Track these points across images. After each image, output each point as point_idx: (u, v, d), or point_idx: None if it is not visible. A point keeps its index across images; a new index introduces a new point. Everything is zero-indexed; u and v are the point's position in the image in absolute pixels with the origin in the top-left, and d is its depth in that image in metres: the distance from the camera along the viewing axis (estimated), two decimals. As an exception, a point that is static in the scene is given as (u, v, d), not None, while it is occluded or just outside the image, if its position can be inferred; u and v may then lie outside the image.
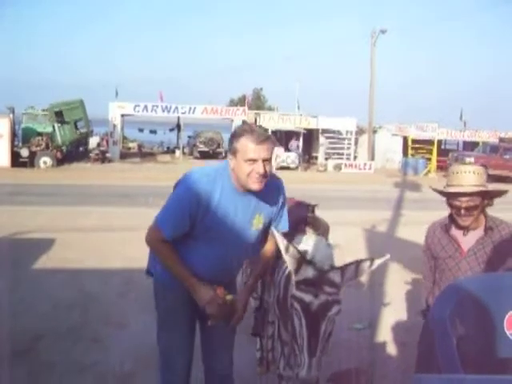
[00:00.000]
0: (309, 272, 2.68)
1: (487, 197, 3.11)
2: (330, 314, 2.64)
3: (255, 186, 2.68)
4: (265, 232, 3.00)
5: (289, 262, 2.72)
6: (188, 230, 2.77)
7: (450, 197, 3.12)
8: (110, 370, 4.41)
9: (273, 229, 2.86)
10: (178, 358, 3.03)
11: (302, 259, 2.72)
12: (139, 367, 4.46)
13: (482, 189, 3.04)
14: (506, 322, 1.90)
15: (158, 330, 3.08)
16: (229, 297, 2.82)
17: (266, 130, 2.82)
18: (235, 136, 2.68)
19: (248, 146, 2.62)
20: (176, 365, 3.03)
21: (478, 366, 1.66)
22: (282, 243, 2.73)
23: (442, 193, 3.20)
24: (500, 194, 3.17)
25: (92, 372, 4.38)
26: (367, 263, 2.72)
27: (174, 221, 2.78)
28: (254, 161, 2.62)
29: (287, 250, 2.72)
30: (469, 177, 3.06)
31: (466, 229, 3.16)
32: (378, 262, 2.72)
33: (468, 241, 3.17)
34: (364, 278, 7.34)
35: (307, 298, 2.64)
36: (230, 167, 2.74)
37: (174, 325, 3.02)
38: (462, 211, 3.07)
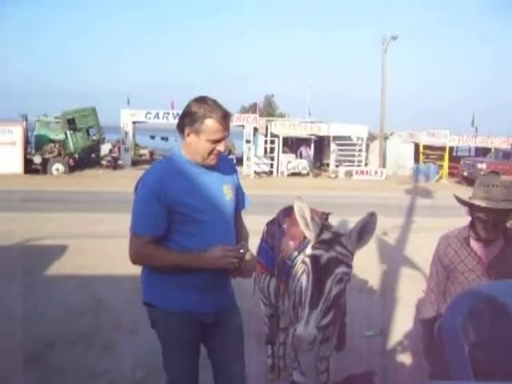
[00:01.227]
0: (325, 235, 2.88)
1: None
2: (338, 271, 2.74)
3: (213, 161, 2.76)
4: (235, 212, 2.97)
5: (312, 228, 2.92)
6: (172, 225, 2.71)
7: (478, 210, 2.99)
8: (122, 377, 4.42)
9: (299, 202, 2.96)
10: (186, 382, 2.95)
11: (324, 226, 2.94)
12: (151, 374, 4.46)
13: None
14: None
15: (164, 359, 2.96)
16: (247, 255, 2.73)
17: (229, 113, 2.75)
18: (197, 115, 2.65)
19: (214, 128, 2.66)
20: None
21: (492, 373, 1.65)
22: (307, 212, 2.94)
23: (468, 204, 3.06)
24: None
25: (103, 379, 4.39)
26: (369, 223, 2.84)
27: (148, 218, 2.71)
28: (218, 141, 2.69)
29: (312, 217, 2.94)
30: (499, 191, 2.94)
31: (486, 241, 3.04)
32: (364, 217, 2.84)
33: (488, 253, 3.05)
34: (376, 285, 7.32)
35: (318, 252, 2.80)
36: (186, 142, 2.74)
37: (178, 355, 2.90)
38: (489, 225, 2.96)
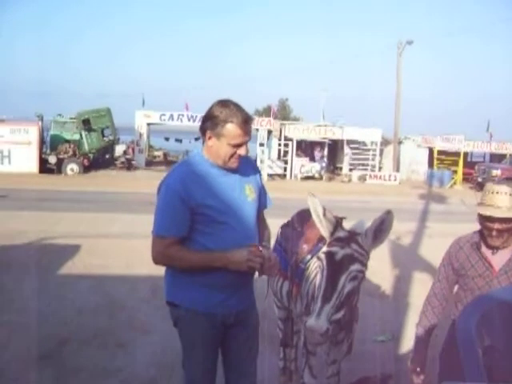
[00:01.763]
0: (341, 233, 2.92)
1: None
2: (352, 269, 2.77)
3: (235, 164, 2.77)
4: (258, 212, 2.97)
5: (325, 225, 2.96)
6: (194, 225, 2.72)
7: (481, 217, 2.98)
8: (135, 376, 4.44)
9: (312, 197, 3.01)
10: (204, 382, 2.96)
11: (338, 223, 2.97)
12: (164, 373, 4.49)
13: None
14: None
15: (183, 358, 2.97)
16: (264, 251, 2.73)
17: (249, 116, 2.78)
18: (219, 119, 2.67)
19: (235, 133, 2.66)
20: None
21: (505, 377, 1.65)
22: (319, 208, 2.99)
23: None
24: None
25: (116, 377, 4.42)
26: (385, 222, 2.87)
27: (173, 219, 2.73)
28: (240, 145, 2.71)
29: (325, 213, 2.98)
30: (504, 199, 2.90)
31: (496, 248, 3.01)
32: (381, 215, 2.87)
33: (499, 259, 3.01)
34: (388, 290, 7.29)
35: (334, 249, 2.84)
36: (208, 145, 2.75)
37: (199, 355, 2.91)
38: (494, 232, 2.94)
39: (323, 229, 3.00)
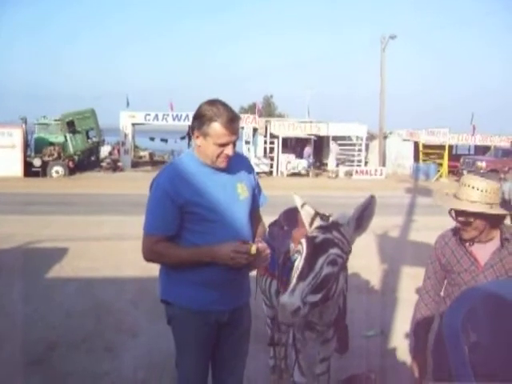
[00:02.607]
0: (322, 222, 2.97)
1: (488, 217, 2.85)
2: (331, 252, 2.79)
3: (223, 164, 2.77)
4: (252, 210, 2.98)
5: (304, 216, 3.05)
6: (184, 224, 2.74)
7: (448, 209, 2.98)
8: (124, 379, 4.43)
9: (293, 194, 3.13)
10: (198, 381, 2.97)
11: (316, 214, 3.02)
12: (152, 375, 4.48)
13: (475, 210, 2.83)
14: None
15: (177, 356, 2.98)
16: (252, 248, 2.69)
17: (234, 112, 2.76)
18: (205, 118, 2.68)
19: (220, 132, 2.66)
20: None
21: (492, 374, 1.66)
22: (298, 201, 3.09)
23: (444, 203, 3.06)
24: (499, 218, 2.90)
25: (106, 381, 4.40)
26: (367, 210, 2.91)
27: (161, 218, 2.75)
28: (226, 145, 2.70)
29: (303, 206, 3.07)
30: (471, 193, 2.86)
31: (471, 241, 2.96)
32: (364, 200, 2.93)
33: (484, 253, 2.96)
34: (376, 285, 7.32)
35: (314, 233, 2.88)
36: (197, 144, 2.77)
37: (193, 353, 2.93)
38: (460, 225, 2.93)
39: (303, 220, 3.06)
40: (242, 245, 2.70)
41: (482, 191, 2.85)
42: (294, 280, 2.70)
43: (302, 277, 2.68)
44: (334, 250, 2.79)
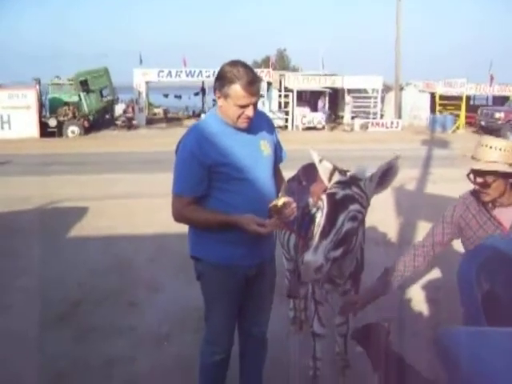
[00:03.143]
0: (340, 177, 2.97)
1: (509, 177, 2.77)
2: (352, 208, 2.81)
3: (244, 125, 2.82)
4: (274, 166, 3.06)
5: (322, 171, 3.06)
6: (212, 183, 2.81)
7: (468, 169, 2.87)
8: (149, 333, 4.56)
9: (310, 150, 3.13)
10: (225, 333, 3.09)
11: (334, 169, 3.01)
12: (175, 329, 4.61)
13: (495, 169, 2.74)
14: None
15: (205, 310, 3.10)
16: (279, 201, 2.79)
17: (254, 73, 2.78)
18: (226, 80, 2.71)
19: (240, 94, 2.69)
20: (222, 340, 3.10)
21: (503, 321, 1.69)
22: (316, 157, 3.09)
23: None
24: None
25: (131, 335, 4.54)
26: (391, 169, 2.88)
27: (190, 180, 2.81)
28: (246, 106, 2.73)
29: (320, 161, 3.07)
30: (490, 152, 2.77)
31: (492, 205, 2.87)
32: (389, 160, 2.89)
33: (508, 217, 2.86)
34: (393, 238, 7.36)
35: (334, 189, 2.89)
36: (219, 105, 2.82)
37: (222, 307, 3.04)
38: (477, 187, 2.85)
39: (321, 175, 3.07)
40: (262, 220, 2.76)
41: (500, 150, 2.78)
42: (316, 238, 2.73)
43: (324, 234, 2.72)
44: (354, 206, 2.81)
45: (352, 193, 2.86)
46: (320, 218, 2.84)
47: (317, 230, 2.80)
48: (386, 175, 2.91)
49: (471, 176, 2.86)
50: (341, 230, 2.75)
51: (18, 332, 4.52)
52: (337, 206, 2.80)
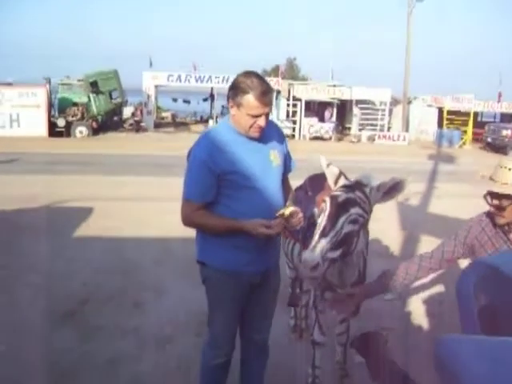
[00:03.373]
0: (346, 181, 3.03)
1: None
2: (353, 211, 2.85)
3: (255, 134, 2.88)
4: (283, 176, 3.13)
5: (329, 175, 3.11)
6: (221, 190, 2.87)
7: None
8: (152, 334, 4.62)
9: (320, 156, 3.17)
10: (227, 338, 3.16)
11: (340, 174, 3.08)
12: (178, 331, 4.67)
13: (509, 191, 2.69)
14: None
15: (209, 314, 3.16)
16: (286, 210, 2.87)
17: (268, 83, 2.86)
18: (239, 90, 2.77)
19: (253, 104, 2.76)
20: (224, 344, 3.16)
21: (500, 336, 1.74)
22: (323, 161, 3.14)
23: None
24: None
25: (134, 336, 4.60)
26: (400, 184, 2.93)
27: (200, 186, 2.88)
28: (258, 116, 2.80)
29: (328, 166, 3.13)
30: (506, 174, 2.72)
31: (508, 229, 2.79)
32: (398, 177, 2.94)
33: None
34: (396, 250, 7.41)
35: (337, 192, 2.94)
36: (231, 114, 2.88)
37: (225, 312, 3.10)
38: (492, 209, 2.80)
39: (328, 179, 3.12)
40: (268, 221, 2.82)
41: None
42: (315, 237, 2.79)
43: (323, 234, 2.77)
44: (355, 210, 2.86)
45: (354, 196, 2.91)
46: (322, 219, 2.89)
47: (317, 229, 2.86)
48: (393, 188, 2.98)
49: (488, 198, 2.82)
50: (340, 232, 2.79)
51: (24, 328, 4.59)
52: (338, 207, 2.85)
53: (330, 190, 3.13)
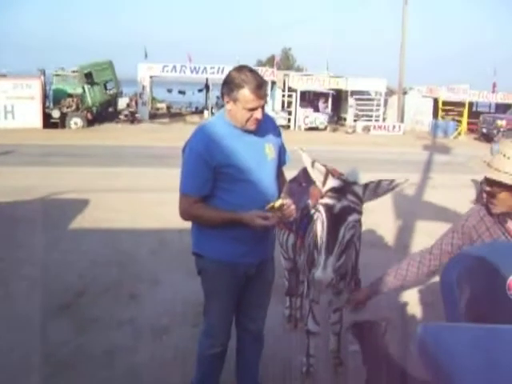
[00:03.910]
0: (334, 182, 3.02)
1: None
2: (350, 219, 2.92)
3: (252, 127, 2.91)
4: (278, 169, 3.15)
5: (315, 175, 3.10)
6: (217, 183, 2.90)
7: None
8: (148, 325, 4.65)
9: (300, 151, 3.15)
10: (223, 328, 3.20)
11: (328, 172, 3.07)
12: (174, 322, 4.69)
13: (499, 178, 2.56)
14: (509, 283, 2.00)
15: (205, 304, 3.21)
16: (276, 203, 2.88)
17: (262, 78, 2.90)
18: (234, 85, 2.80)
19: (249, 97, 2.79)
20: (220, 333, 3.20)
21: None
22: (307, 160, 3.12)
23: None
24: None
25: (131, 327, 4.63)
26: (387, 182, 3.01)
27: (196, 180, 2.91)
28: (254, 109, 2.83)
29: (313, 165, 3.11)
30: (502, 161, 2.59)
31: (504, 218, 2.69)
32: (397, 181, 3.02)
33: None
34: (391, 241, 7.45)
35: (331, 201, 2.95)
36: (227, 109, 2.91)
37: (221, 302, 3.15)
38: (486, 195, 2.70)
39: (315, 179, 3.13)
40: (265, 213, 2.85)
41: None
42: (323, 254, 2.86)
43: (329, 250, 2.86)
44: (352, 217, 2.92)
45: (348, 203, 2.94)
46: (322, 232, 2.94)
47: (320, 243, 2.92)
48: (386, 190, 3.03)
49: (484, 185, 2.74)
50: (343, 242, 2.89)
51: (20, 320, 4.61)
52: (336, 219, 2.91)
53: (320, 191, 3.12)
